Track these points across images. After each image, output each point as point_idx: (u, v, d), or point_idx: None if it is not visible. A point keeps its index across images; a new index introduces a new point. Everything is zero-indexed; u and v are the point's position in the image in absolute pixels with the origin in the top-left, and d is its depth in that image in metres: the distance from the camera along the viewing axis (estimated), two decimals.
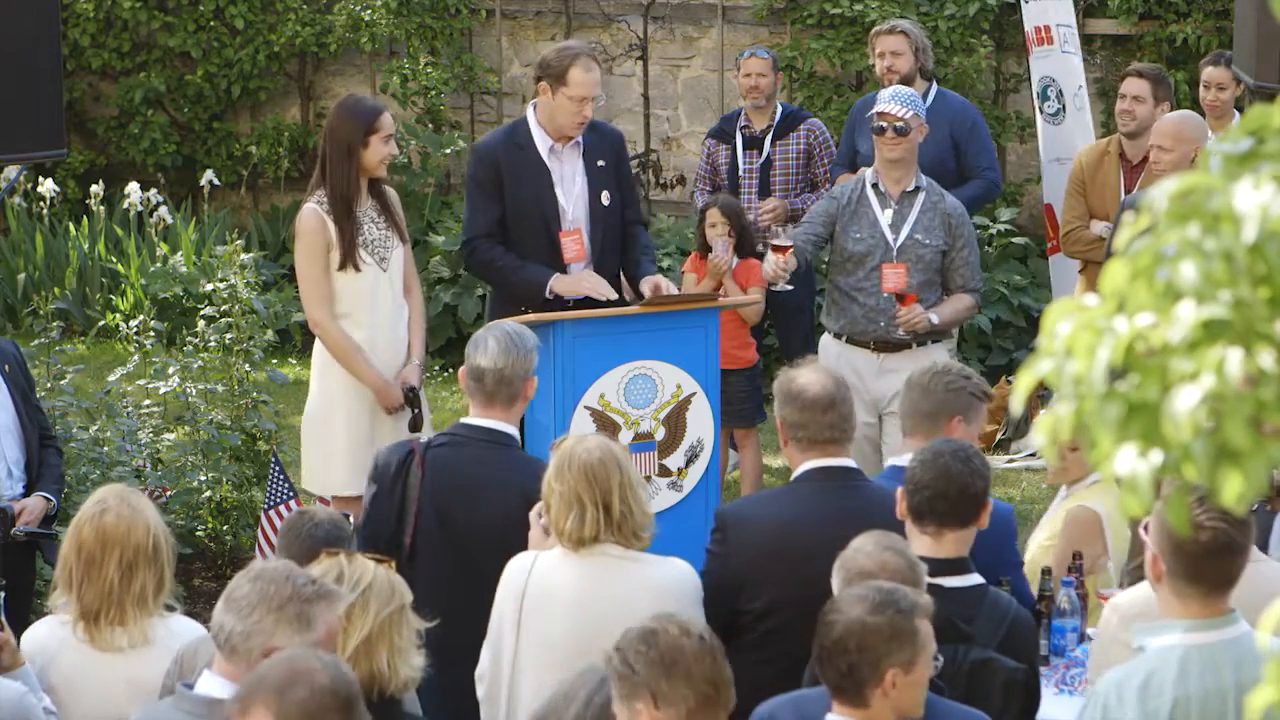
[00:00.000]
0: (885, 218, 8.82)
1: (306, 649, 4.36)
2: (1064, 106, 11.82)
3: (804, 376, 6.05)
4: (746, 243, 10.08)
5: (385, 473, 6.47)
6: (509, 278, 8.58)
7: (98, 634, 5.51)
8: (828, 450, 5.97)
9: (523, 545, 5.85)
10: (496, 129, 8.97)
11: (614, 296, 8.52)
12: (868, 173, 8.99)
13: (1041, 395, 9.85)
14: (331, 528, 5.60)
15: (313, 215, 8.16)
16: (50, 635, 5.63)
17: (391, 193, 8.41)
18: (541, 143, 8.59)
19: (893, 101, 8.89)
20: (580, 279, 8.49)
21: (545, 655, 5.58)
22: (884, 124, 8.84)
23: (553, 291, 8.44)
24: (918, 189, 8.88)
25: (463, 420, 6.61)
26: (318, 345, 8.34)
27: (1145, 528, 4.91)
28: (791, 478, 6.11)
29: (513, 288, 8.56)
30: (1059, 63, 11.90)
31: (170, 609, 5.63)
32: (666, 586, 5.55)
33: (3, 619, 5.63)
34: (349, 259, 8.12)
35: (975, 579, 5.56)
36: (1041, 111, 12.06)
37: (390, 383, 8.18)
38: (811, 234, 8.89)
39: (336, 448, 8.23)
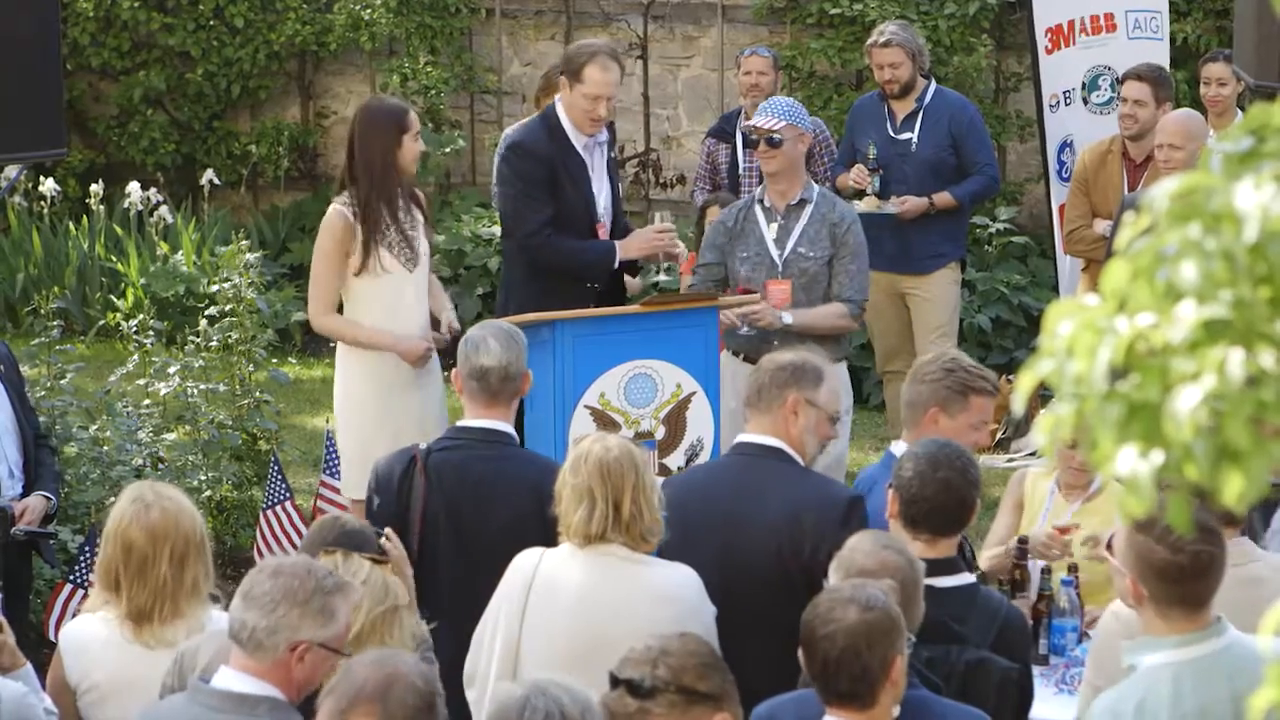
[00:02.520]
0: (770, 233, 8.64)
1: (388, 650, 4.45)
2: (1120, 93, 11.46)
3: (780, 353, 6.23)
4: None
5: (388, 482, 6.44)
6: (578, 260, 8.60)
7: (150, 633, 5.48)
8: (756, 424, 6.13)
9: (535, 543, 5.85)
10: (527, 124, 8.91)
11: (681, 248, 8.70)
12: (758, 190, 8.88)
13: (1043, 395, 9.85)
14: (358, 531, 5.59)
15: (340, 217, 8.11)
16: (93, 634, 5.59)
17: (417, 190, 8.43)
18: (576, 138, 8.63)
19: (763, 114, 8.74)
20: (644, 239, 8.62)
21: (547, 650, 5.57)
22: (755, 137, 8.75)
23: (621, 260, 8.57)
24: (803, 201, 8.72)
25: (459, 423, 6.59)
26: (350, 352, 8.28)
27: (1109, 547, 4.88)
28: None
29: (583, 269, 8.59)
30: (1120, 49, 11.64)
31: (214, 599, 5.61)
32: (669, 591, 5.55)
33: (4, 620, 5.62)
34: (366, 263, 8.09)
35: (967, 578, 5.56)
36: (1087, 102, 11.81)
37: (407, 336, 8.18)
38: (711, 277, 8.71)
39: (377, 449, 8.16)
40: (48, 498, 7.60)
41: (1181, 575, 4.64)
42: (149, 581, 5.46)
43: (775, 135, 8.63)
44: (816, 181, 10.78)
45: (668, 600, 5.49)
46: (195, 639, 5.33)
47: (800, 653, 4.72)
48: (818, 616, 4.70)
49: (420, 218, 8.29)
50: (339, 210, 8.12)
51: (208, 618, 5.50)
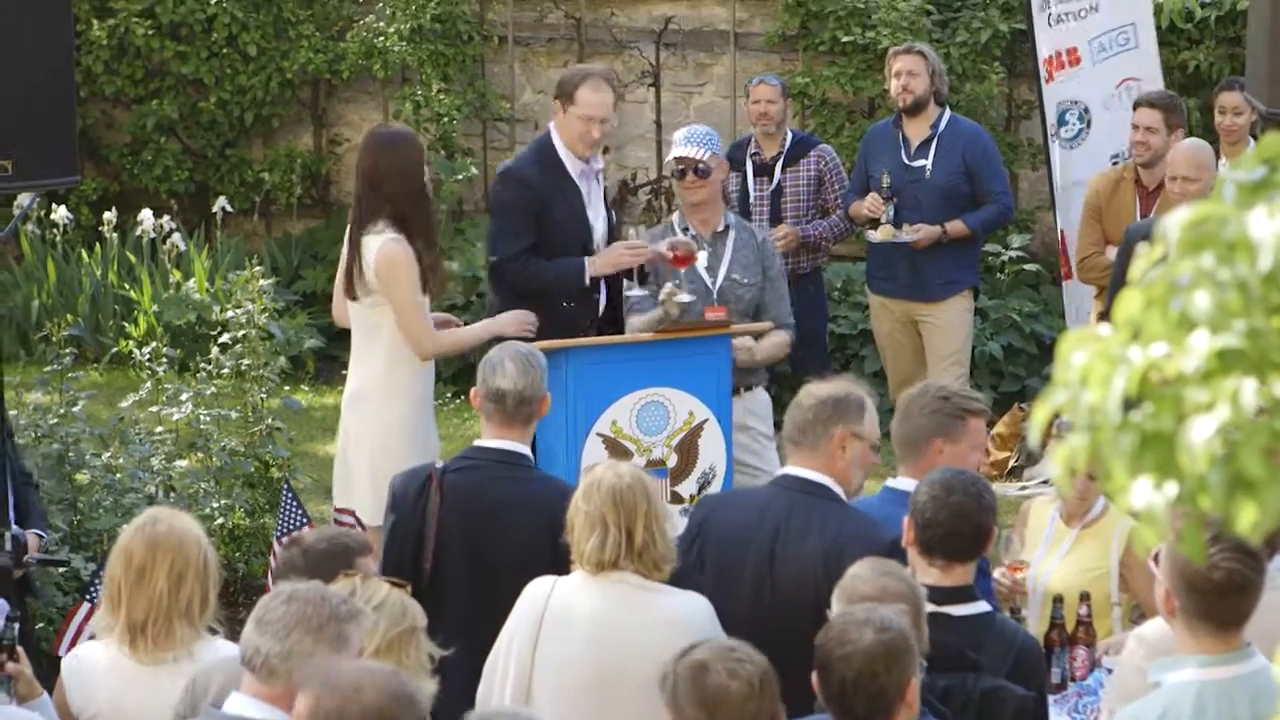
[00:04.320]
0: (701, 260, 8.63)
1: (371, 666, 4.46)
2: (1088, 124, 11.68)
3: (816, 385, 6.16)
4: None
5: (404, 500, 6.48)
6: (546, 278, 8.52)
7: (142, 648, 5.47)
8: (804, 459, 6.07)
9: (547, 566, 5.85)
10: (523, 152, 8.96)
11: (648, 257, 8.56)
12: (675, 219, 8.88)
13: (1056, 425, 9.83)
14: (328, 546, 5.57)
15: (399, 246, 8.01)
16: (94, 659, 5.60)
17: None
18: (571, 164, 8.61)
19: (689, 144, 8.76)
20: (613, 255, 8.55)
21: (559, 680, 5.58)
22: (683, 167, 8.75)
23: (591, 277, 8.50)
24: (727, 228, 8.76)
25: (476, 443, 6.61)
26: (364, 371, 8.24)
27: (1155, 559, 4.90)
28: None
29: (552, 287, 8.52)
30: (1085, 80, 11.78)
31: (214, 631, 5.61)
32: (683, 620, 5.55)
33: (20, 650, 5.63)
34: (425, 285, 8.08)
35: (982, 606, 5.56)
36: (1057, 138, 11.99)
37: (503, 314, 8.30)
38: (645, 309, 8.65)
39: (383, 474, 8.16)
40: (40, 535, 7.63)
41: (1212, 591, 4.66)
42: (144, 592, 5.45)
43: (702, 165, 8.67)
44: (827, 210, 10.83)
45: (680, 628, 5.48)
46: (208, 666, 5.33)
47: (815, 676, 4.72)
48: (832, 639, 4.70)
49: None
50: (393, 240, 8.01)
51: (204, 647, 5.50)
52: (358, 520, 8.33)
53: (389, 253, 8.01)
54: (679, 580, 5.70)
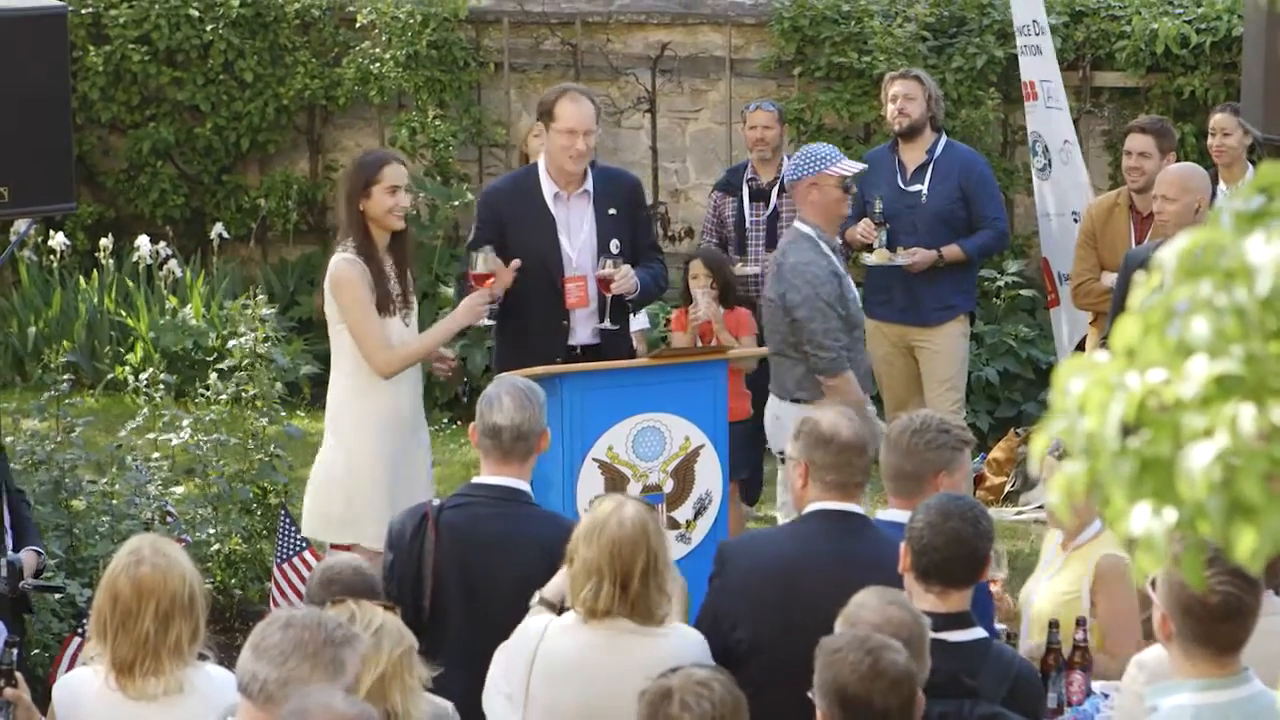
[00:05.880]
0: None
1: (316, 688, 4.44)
2: (1050, 161, 11.84)
3: (830, 420, 5.98)
4: (730, 293, 10.07)
5: (400, 539, 6.42)
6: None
7: (131, 684, 5.46)
8: (848, 494, 5.95)
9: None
10: (504, 175, 9.01)
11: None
12: (811, 232, 8.82)
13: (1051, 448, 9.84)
14: (354, 574, 5.64)
15: (347, 263, 8.15)
16: (83, 685, 5.59)
17: (409, 248, 8.43)
18: (548, 189, 8.63)
19: (846, 159, 8.91)
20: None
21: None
22: (851, 183, 8.88)
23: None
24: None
25: (474, 480, 6.57)
26: (333, 397, 8.33)
27: (1153, 584, 4.89)
28: (798, 517, 6.09)
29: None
30: (1043, 117, 11.92)
31: (203, 658, 5.60)
32: (672, 660, 5.50)
33: (19, 675, 5.62)
34: (385, 306, 8.15)
35: (979, 632, 5.54)
36: (1033, 167, 12.12)
37: (456, 309, 8.33)
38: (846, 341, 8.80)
39: (366, 499, 8.19)
40: (38, 553, 7.61)
41: (1207, 615, 4.65)
42: (130, 634, 5.44)
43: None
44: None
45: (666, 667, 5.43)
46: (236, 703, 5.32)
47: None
48: (829, 663, 4.72)
49: (402, 277, 8.29)
50: (342, 257, 8.17)
51: (195, 676, 5.49)
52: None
53: (337, 272, 8.17)
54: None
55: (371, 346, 8.13)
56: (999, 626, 6.59)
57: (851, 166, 8.89)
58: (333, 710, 4.26)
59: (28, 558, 7.53)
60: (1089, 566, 6.88)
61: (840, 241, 10.71)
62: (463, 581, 6.32)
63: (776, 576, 5.83)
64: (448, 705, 5.33)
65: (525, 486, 6.46)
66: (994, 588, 6.66)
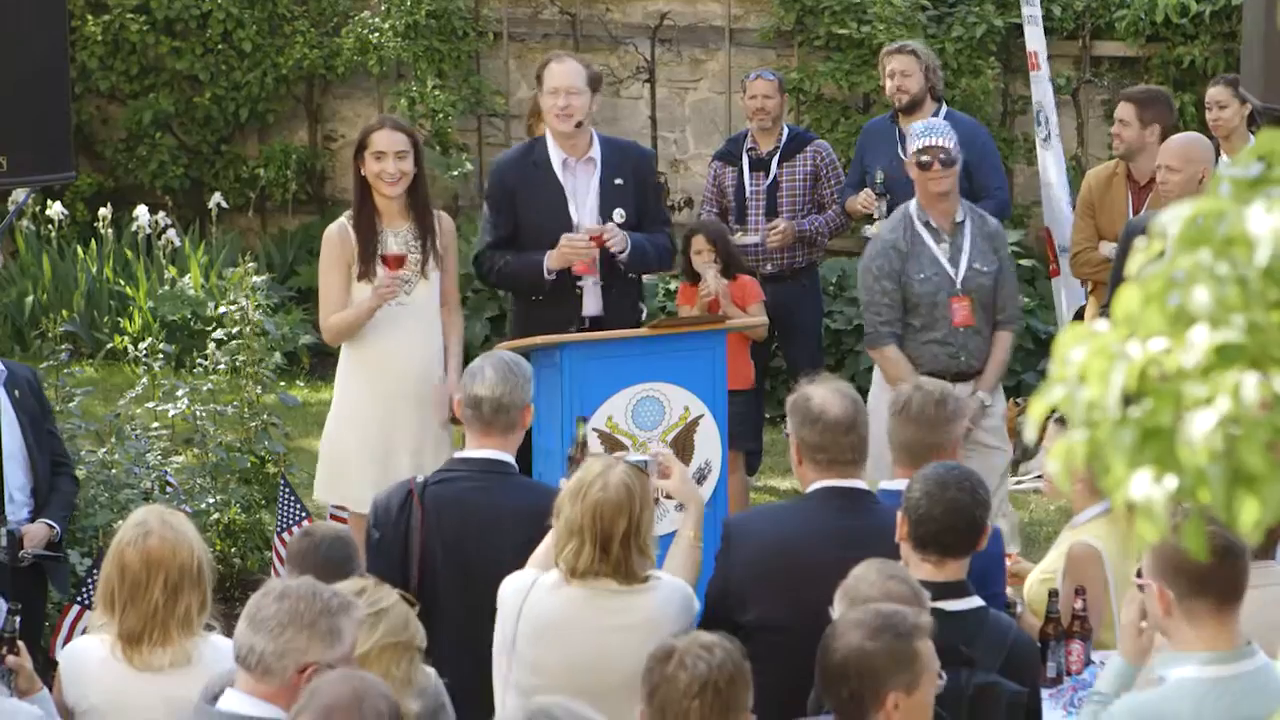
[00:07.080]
0: (942, 252, 8.68)
1: (350, 670, 4.44)
2: (1050, 133, 11.90)
3: (821, 396, 5.94)
4: (733, 264, 10.04)
5: (386, 517, 6.40)
6: (516, 270, 8.68)
7: (138, 655, 5.46)
8: (845, 471, 5.93)
9: None
10: (516, 145, 9.06)
11: (592, 251, 8.52)
12: (912, 209, 8.81)
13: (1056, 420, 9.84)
14: (335, 542, 5.69)
15: (335, 228, 8.37)
16: (90, 654, 5.59)
17: (444, 221, 8.46)
18: (555, 157, 8.68)
19: (932, 134, 8.71)
20: (558, 249, 8.52)
21: (532, 681, 5.53)
22: (929, 158, 8.66)
23: (549, 270, 8.54)
24: (964, 219, 8.76)
25: (457, 454, 6.57)
26: (341, 361, 8.42)
27: (1140, 585, 4.89)
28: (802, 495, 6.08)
29: (522, 280, 8.69)
30: (1046, 88, 11.95)
31: (210, 628, 5.60)
32: (661, 615, 5.50)
33: (21, 644, 5.62)
34: (366, 272, 8.21)
35: (975, 601, 5.54)
36: (1036, 136, 12.13)
37: (372, 289, 8.24)
38: (891, 302, 8.67)
39: (350, 460, 8.28)
40: (51, 526, 7.59)
41: (1205, 565, 4.64)
42: (139, 605, 5.44)
43: (946, 154, 8.63)
44: (825, 204, 10.82)
45: (661, 624, 5.42)
46: (226, 672, 5.31)
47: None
48: (832, 628, 4.76)
49: (426, 248, 8.29)
50: (336, 223, 8.38)
51: (202, 646, 5.49)
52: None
53: (325, 232, 8.44)
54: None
55: (322, 312, 8.40)
56: (1015, 602, 6.58)
57: (920, 139, 8.79)
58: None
59: (38, 529, 7.53)
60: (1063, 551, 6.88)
61: (840, 208, 10.70)
62: (450, 555, 6.30)
63: (779, 557, 5.83)
64: (431, 672, 5.30)
65: (508, 458, 6.43)
66: (1009, 562, 6.67)
